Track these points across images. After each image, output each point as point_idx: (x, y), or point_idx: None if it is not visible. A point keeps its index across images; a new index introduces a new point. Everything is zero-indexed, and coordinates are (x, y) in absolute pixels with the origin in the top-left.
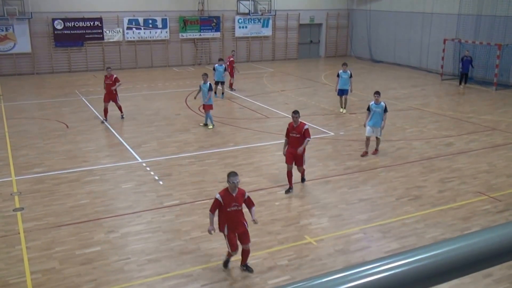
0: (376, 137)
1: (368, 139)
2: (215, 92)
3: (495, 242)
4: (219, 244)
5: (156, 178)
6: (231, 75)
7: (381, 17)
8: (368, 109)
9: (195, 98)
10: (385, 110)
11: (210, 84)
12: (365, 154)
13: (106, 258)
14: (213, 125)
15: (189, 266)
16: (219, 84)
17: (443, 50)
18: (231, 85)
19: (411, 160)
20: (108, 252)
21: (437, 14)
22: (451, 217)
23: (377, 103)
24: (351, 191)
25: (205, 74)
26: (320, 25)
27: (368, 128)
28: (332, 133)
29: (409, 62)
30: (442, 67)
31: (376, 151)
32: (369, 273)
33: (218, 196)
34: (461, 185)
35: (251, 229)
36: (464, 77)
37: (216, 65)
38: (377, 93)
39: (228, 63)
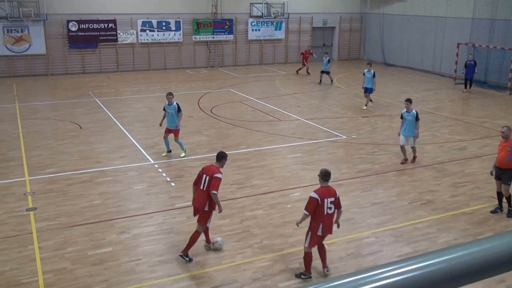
0: (411, 147)
1: (402, 147)
2: (320, 80)
3: (508, 247)
4: (230, 246)
5: (168, 179)
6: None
7: (394, 20)
8: (401, 117)
9: (160, 125)
10: (417, 118)
11: (177, 104)
12: (404, 161)
13: (118, 259)
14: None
15: (200, 268)
16: (324, 73)
17: (457, 54)
18: (298, 70)
19: (423, 164)
20: (119, 253)
21: (451, 18)
22: (464, 222)
23: (408, 110)
24: (363, 194)
25: (170, 94)
26: (333, 28)
27: (401, 137)
28: (345, 136)
29: (422, 66)
30: (455, 71)
31: (414, 159)
32: (381, 277)
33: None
34: (474, 189)
35: (262, 231)
36: (468, 81)
37: (323, 58)
38: (408, 100)
39: (304, 54)
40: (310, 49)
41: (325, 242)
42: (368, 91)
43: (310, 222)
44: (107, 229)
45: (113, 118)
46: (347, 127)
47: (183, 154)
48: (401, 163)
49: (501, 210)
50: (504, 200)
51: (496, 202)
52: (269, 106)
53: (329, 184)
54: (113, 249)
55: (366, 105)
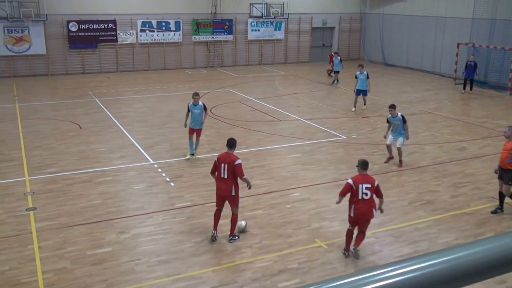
0: (397, 148)
1: (389, 146)
2: (337, 80)
3: (509, 248)
4: (229, 246)
5: (168, 179)
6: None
7: (394, 20)
8: (387, 121)
9: (185, 126)
10: (404, 121)
11: (203, 104)
12: (388, 160)
13: (117, 258)
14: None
15: (199, 268)
16: (337, 73)
17: (457, 54)
18: (329, 71)
19: (423, 164)
20: (119, 253)
21: (450, 18)
22: (464, 222)
23: (393, 116)
24: None
25: (197, 94)
26: (332, 28)
27: (390, 137)
28: (344, 137)
29: (422, 66)
30: (455, 71)
31: (400, 164)
32: (381, 277)
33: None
34: (474, 190)
35: (262, 231)
36: (468, 82)
37: (334, 58)
38: (392, 106)
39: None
40: (337, 51)
41: (327, 242)
42: (363, 93)
43: (349, 203)
44: (106, 229)
45: (113, 118)
46: (347, 127)
47: (188, 156)
48: (385, 162)
49: (502, 211)
50: (507, 200)
51: (497, 202)
52: (268, 106)
53: (334, 182)
54: (113, 249)
55: (364, 104)
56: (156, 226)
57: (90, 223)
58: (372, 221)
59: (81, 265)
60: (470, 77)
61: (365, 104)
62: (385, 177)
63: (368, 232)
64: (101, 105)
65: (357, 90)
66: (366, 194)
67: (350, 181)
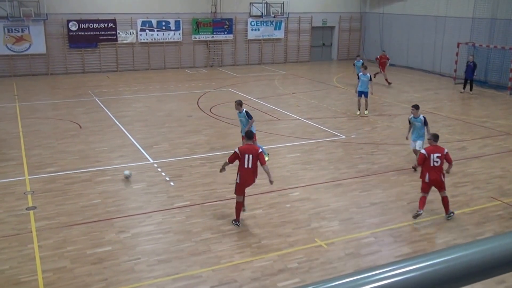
0: (415, 150)
1: (414, 151)
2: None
3: (508, 248)
4: (229, 246)
5: (167, 179)
6: (384, 70)
7: (394, 20)
8: (409, 122)
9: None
10: (425, 123)
11: (246, 112)
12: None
13: (117, 258)
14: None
15: (199, 267)
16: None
17: (457, 54)
18: (386, 80)
19: None
20: (118, 252)
21: (451, 18)
22: (463, 222)
23: (415, 116)
24: (362, 194)
25: (239, 102)
26: (332, 28)
27: (411, 141)
28: (344, 136)
29: (422, 66)
30: (455, 71)
31: (415, 167)
32: (380, 277)
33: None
34: (474, 190)
35: (261, 231)
36: (468, 83)
37: (355, 61)
38: (415, 106)
39: (379, 60)
40: (386, 53)
41: (326, 241)
42: (364, 95)
43: (421, 172)
44: (106, 228)
45: (113, 118)
46: (347, 127)
47: (267, 158)
48: (412, 167)
49: None
50: (506, 200)
51: (497, 202)
52: (268, 106)
53: (333, 182)
54: (113, 248)
55: (360, 110)
56: (156, 225)
57: (90, 222)
58: (371, 220)
59: (81, 264)
60: (468, 77)
61: (366, 109)
62: (385, 177)
63: (367, 232)
64: (101, 105)
65: (359, 91)
66: (437, 162)
67: (423, 151)
